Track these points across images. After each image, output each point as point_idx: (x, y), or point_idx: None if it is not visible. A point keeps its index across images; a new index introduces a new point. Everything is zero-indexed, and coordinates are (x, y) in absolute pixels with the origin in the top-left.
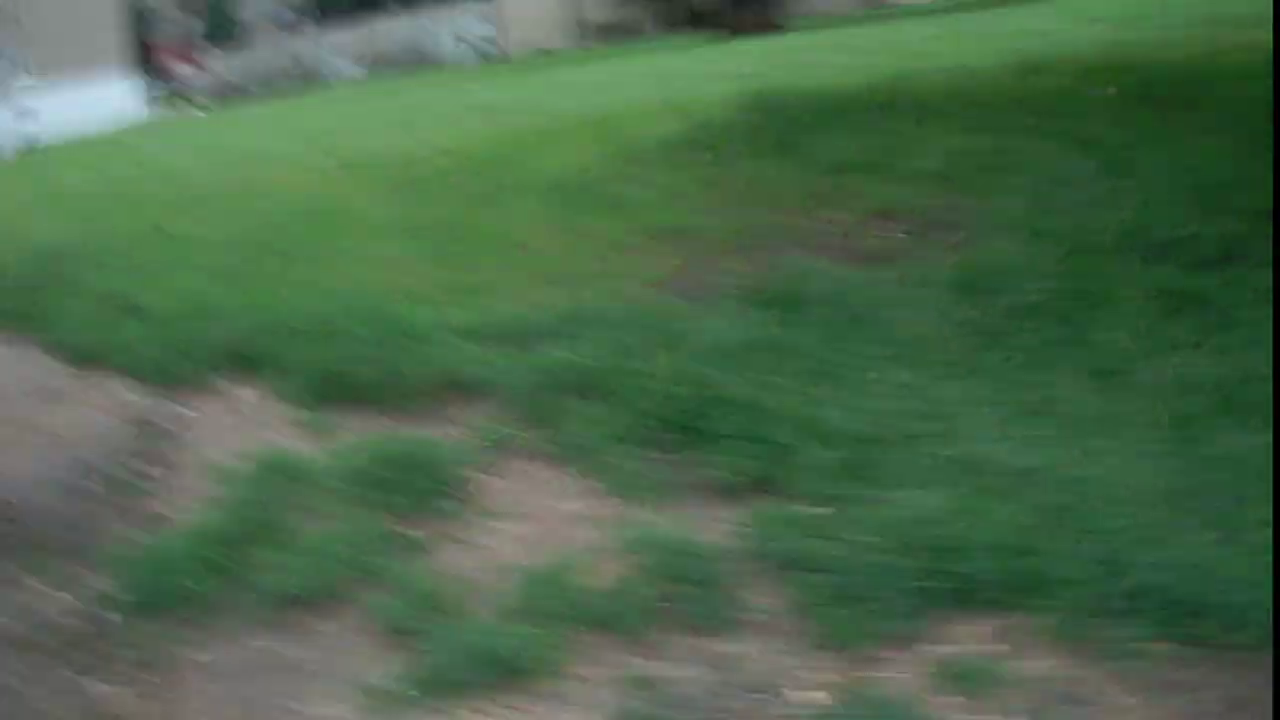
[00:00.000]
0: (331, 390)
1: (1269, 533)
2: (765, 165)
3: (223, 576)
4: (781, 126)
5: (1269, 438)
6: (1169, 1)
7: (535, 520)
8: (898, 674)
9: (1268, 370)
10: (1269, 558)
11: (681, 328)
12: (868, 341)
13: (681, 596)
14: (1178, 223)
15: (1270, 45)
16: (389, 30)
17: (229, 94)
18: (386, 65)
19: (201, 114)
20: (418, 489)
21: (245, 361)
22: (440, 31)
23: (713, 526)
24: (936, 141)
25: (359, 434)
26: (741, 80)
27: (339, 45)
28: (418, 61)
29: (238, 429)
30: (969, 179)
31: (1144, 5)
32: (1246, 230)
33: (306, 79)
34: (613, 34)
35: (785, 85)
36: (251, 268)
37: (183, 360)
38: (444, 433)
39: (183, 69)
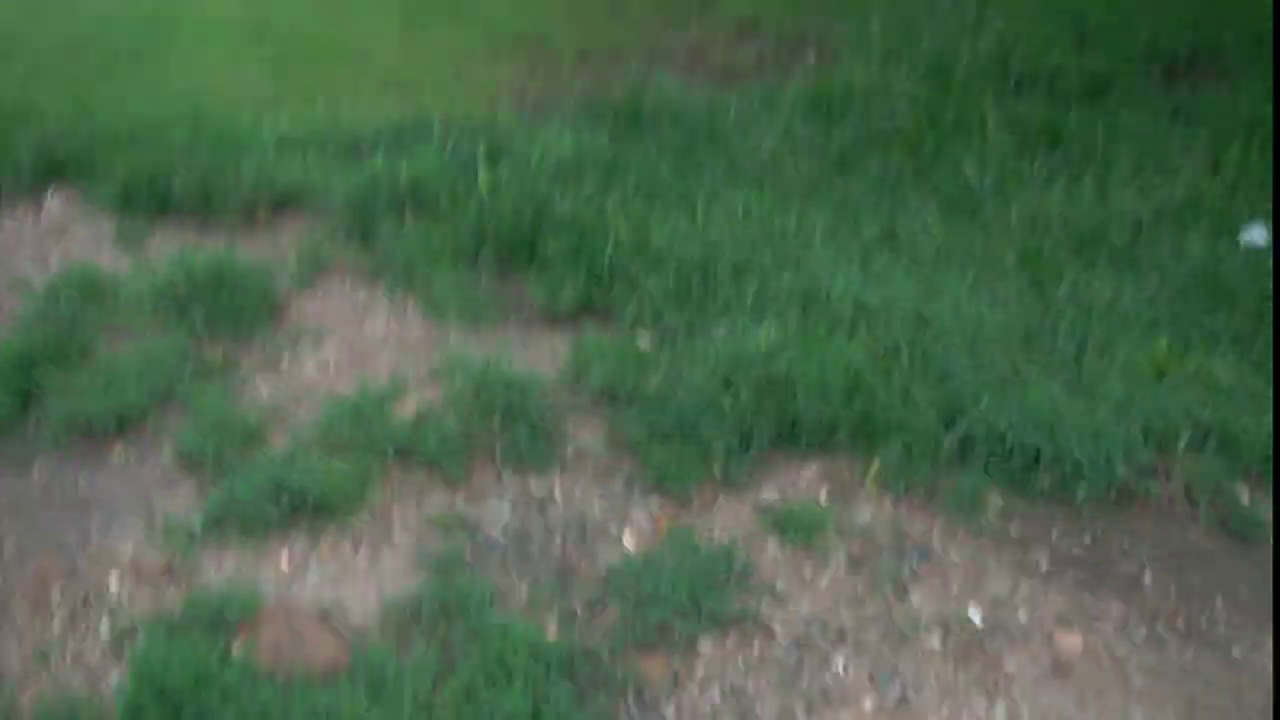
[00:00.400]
0: (146, 200)
1: (1115, 382)
2: None
3: (15, 402)
4: None
5: (1116, 281)
6: None
7: (348, 343)
8: (720, 518)
9: (1120, 210)
10: (1111, 407)
11: (517, 142)
12: (711, 163)
13: (498, 429)
14: (1043, 56)
15: None
16: None
17: None
18: None
19: None
20: (227, 308)
21: (58, 169)
22: None
23: (534, 354)
24: None
25: (171, 247)
26: None
27: None
28: None
29: (46, 242)
30: None
31: None
32: (1114, 68)
33: None
34: None
35: None
36: (78, 70)
37: None
38: (259, 248)
39: None
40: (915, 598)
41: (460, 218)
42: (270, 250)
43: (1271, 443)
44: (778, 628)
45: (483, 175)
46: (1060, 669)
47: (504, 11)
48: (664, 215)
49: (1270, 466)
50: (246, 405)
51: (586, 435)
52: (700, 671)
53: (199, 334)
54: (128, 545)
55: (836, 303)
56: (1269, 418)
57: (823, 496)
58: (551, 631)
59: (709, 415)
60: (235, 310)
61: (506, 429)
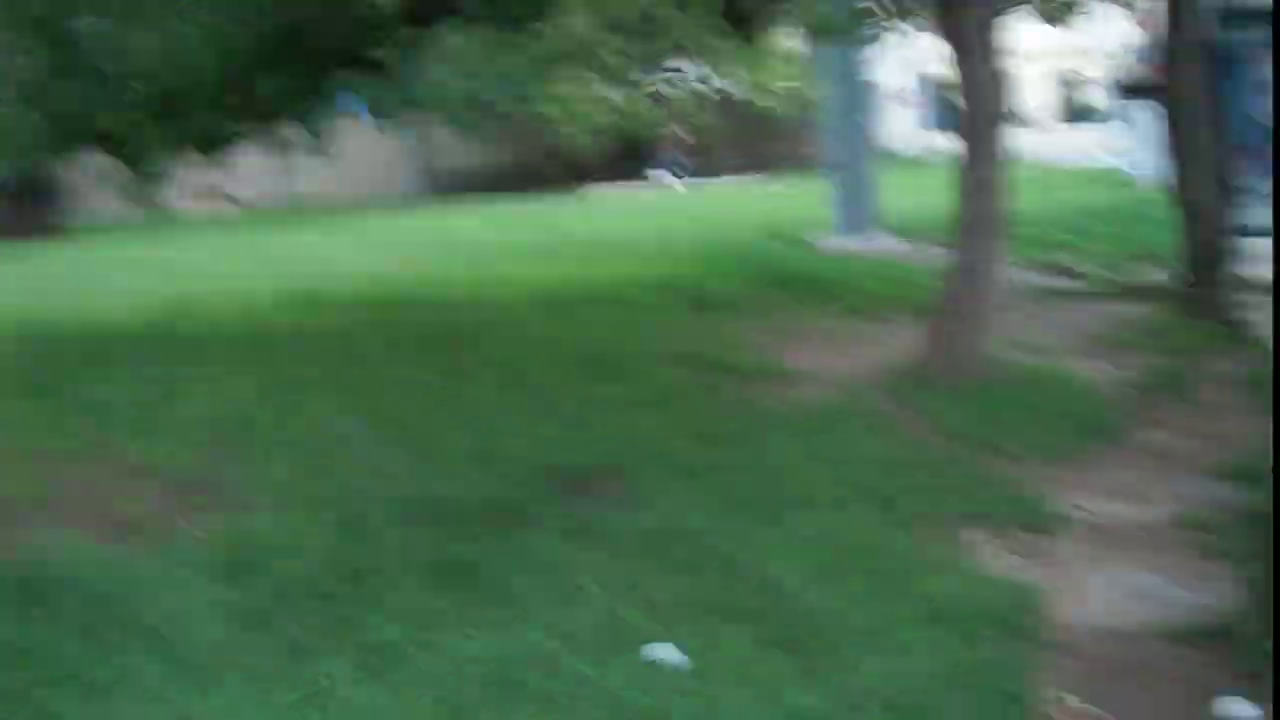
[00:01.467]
0: None
1: None
2: (21, 412)
3: None
4: (42, 366)
5: None
6: (454, 239)
7: None
8: None
9: (535, 645)
10: None
11: None
12: (121, 635)
13: None
14: (453, 486)
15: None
16: None
17: None
18: None
19: None
20: None
21: None
22: None
23: None
24: (206, 389)
25: None
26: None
27: None
28: None
29: None
30: (237, 436)
31: (424, 236)
32: (519, 492)
33: None
34: None
35: (55, 314)
36: None
37: None
38: None
39: None
40: None
41: None
42: None
43: None
44: None
45: None
46: None
47: None
48: (73, 704)
49: None
50: None
51: None
52: None
53: None
54: None
55: None
56: None
57: None
58: None
59: None
60: None
61: None
